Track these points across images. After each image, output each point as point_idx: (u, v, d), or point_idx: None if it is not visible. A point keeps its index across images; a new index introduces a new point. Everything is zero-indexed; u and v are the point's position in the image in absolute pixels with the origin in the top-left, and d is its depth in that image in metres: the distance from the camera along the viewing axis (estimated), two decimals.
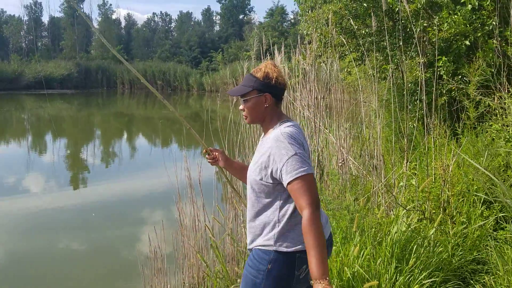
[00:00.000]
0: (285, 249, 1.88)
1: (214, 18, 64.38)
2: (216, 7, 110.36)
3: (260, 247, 1.93)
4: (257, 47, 4.76)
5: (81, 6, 56.66)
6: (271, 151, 1.86)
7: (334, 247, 2.84)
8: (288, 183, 1.79)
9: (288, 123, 1.94)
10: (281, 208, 1.91)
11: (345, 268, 2.69)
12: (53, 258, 5.20)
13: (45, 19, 63.53)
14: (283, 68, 4.48)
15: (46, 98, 31.35)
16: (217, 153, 2.36)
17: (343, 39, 5.18)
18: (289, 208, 1.89)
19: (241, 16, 56.09)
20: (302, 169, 1.77)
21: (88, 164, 11.03)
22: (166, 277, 3.66)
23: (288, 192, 1.83)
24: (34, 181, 9.04)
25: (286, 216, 1.89)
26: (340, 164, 3.90)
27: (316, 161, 3.95)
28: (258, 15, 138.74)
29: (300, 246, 1.86)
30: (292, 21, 43.82)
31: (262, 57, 4.93)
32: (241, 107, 2.04)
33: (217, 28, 61.19)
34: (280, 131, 1.88)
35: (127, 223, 6.40)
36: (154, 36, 60.35)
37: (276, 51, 4.50)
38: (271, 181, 1.88)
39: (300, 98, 4.33)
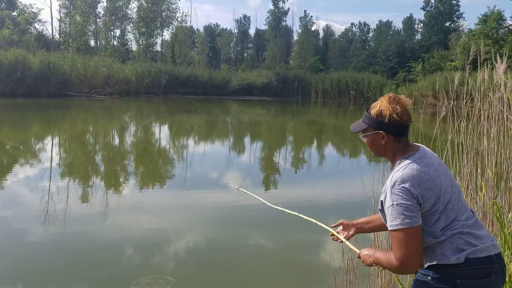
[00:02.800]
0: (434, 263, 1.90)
1: (416, 26, 61.37)
2: (419, 15, 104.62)
3: (418, 276, 1.98)
4: (473, 56, 4.17)
5: (284, 19, 60.35)
6: (386, 194, 1.92)
7: None
8: (389, 231, 1.92)
9: (406, 162, 1.93)
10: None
11: None
12: (243, 251, 5.51)
13: (251, 31, 69.77)
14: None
15: (247, 103, 34.27)
16: (341, 231, 2.45)
17: None
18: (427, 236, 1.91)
19: (447, 24, 52.02)
20: (395, 223, 1.84)
21: (280, 167, 11.53)
22: None
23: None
24: (232, 178, 9.84)
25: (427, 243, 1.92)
26: None
27: None
28: (468, 22, 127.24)
29: (449, 259, 1.87)
30: (511, 27, 38.57)
31: (468, 67, 4.31)
32: (364, 140, 2.09)
33: (418, 36, 58.18)
34: (392, 176, 1.92)
35: (313, 228, 6.38)
36: (351, 46, 60.67)
37: (498, 59, 3.84)
38: None
39: None
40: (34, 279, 4.46)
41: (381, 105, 1.99)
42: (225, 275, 4.77)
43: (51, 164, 10.35)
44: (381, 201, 1.98)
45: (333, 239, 2.48)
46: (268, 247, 5.74)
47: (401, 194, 1.84)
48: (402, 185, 1.85)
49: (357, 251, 2.20)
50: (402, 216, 1.82)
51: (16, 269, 4.69)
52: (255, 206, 7.44)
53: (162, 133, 18.01)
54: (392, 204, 1.85)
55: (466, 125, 3.68)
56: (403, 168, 1.90)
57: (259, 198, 3.07)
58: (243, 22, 68.05)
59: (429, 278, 1.90)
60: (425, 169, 1.90)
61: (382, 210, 1.99)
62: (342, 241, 2.38)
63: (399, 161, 1.98)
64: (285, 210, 2.84)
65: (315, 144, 17.15)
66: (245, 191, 3.37)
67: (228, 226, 6.48)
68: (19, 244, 5.40)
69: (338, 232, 2.44)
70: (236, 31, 66.91)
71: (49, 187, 8.05)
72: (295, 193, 8.56)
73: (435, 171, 1.92)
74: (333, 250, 4.74)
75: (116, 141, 15.33)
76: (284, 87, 47.25)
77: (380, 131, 1.99)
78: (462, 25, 51.95)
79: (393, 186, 1.87)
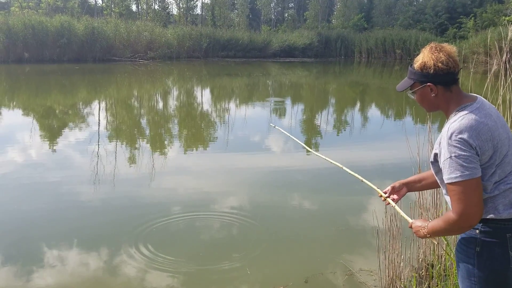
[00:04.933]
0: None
1: None
2: None
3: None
4: None
5: None
6: (441, 145, 1.85)
7: None
8: (446, 184, 1.84)
9: (464, 112, 1.84)
10: None
11: None
12: (287, 213, 5.55)
13: None
14: None
15: (288, 65, 33.83)
16: (392, 194, 2.36)
17: None
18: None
19: None
20: (455, 175, 1.77)
21: (321, 130, 11.42)
22: (401, 247, 3.48)
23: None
24: (273, 140, 9.85)
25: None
26: None
27: None
28: None
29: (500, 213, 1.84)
30: None
31: None
32: (413, 97, 2.03)
33: None
34: (449, 127, 1.83)
35: (353, 189, 6.30)
36: (397, 3, 57.96)
37: None
38: None
39: None
40: (87, 236, 4.70)
41: (423, 57, 1.93)
42: (269, 236, 4.84)
43: (99, 128, 10.70)
44: (435, 154, 1.92)
45: (382, 199, 2.42)
46: (311, 209, 5.78)
47: (459, 146, 1.77)
48: (460, 136, 1.78)
49: (410, 220, 2.14)
50: (461, 168, 1.76)
51: (70, 227, 4.96)
52: (297, 168, 7.47)
53: (204, 97, 18.15)
54: (450, 156, 1.78)
55: None
56: (461, 119, 1.82)
57: (298, 140, 3.12)
58: None
59: (477, 231, 1.87)
60: (484, 119, 1.82)
61: (433, 163, 1.95)
62: (392, 206, 2.32)
63: (455, 112, 1.89)
64: (327, 159, 2.81)
65: (358, 106, 16.80)
66: (282, 130, 3.47)
67: (271, 188, 6.55)
68: (72, 204, 5.69)
69: (385, 193, 2.38)
70: None
71: (98, 150, 8.35)
72: (337, 155, 8.47)
73: (493, 123, 1.84)
74: (376, 208, 4.72)
75: (160, 104, 15.61)
76: (326, 47, 45.97)
77: (428, 84, 1.92)
78: None
79: (450, 138, 1.80)
